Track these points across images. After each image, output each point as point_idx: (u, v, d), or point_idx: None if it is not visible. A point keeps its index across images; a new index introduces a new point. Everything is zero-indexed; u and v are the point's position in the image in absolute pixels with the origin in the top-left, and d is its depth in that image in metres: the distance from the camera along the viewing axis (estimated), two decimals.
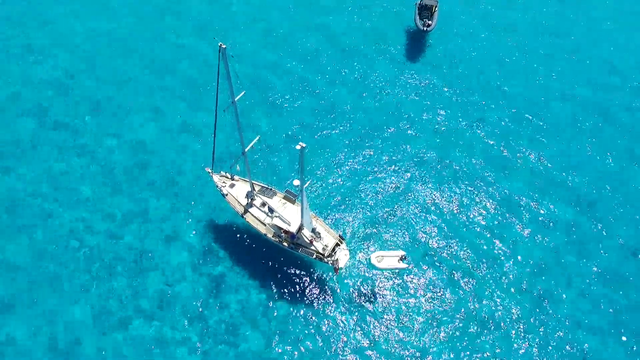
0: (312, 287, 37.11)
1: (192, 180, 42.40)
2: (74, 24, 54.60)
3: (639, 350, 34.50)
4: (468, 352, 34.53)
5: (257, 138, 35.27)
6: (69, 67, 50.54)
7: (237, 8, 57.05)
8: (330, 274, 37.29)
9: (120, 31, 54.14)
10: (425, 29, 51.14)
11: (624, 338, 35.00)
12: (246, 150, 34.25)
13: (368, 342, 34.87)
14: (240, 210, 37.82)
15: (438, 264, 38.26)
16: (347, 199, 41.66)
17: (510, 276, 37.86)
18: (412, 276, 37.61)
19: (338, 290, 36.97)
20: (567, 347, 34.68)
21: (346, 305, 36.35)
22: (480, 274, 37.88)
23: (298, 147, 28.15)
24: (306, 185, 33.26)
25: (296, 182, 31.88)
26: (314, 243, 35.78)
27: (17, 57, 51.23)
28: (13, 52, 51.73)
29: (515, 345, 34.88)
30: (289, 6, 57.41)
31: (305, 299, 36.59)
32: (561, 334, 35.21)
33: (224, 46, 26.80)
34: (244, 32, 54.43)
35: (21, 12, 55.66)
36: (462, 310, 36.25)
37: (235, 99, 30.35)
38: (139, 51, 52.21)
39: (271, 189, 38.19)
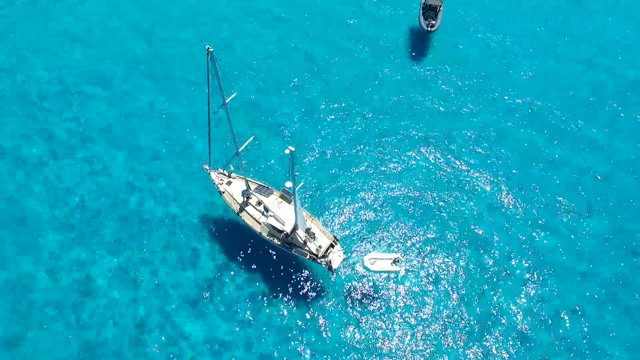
0: (306, 287, 37.09)
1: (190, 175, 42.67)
2: None
3: None
4: (460, 352, 34.26)
5: (252, 138, 35.08)
6: None
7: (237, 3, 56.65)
8: (325, 273, 37.21)
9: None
10: (429, 29, 49.96)
11: None
12: (240, 149, 34.07)
13: (359, 342, 34.83)
14: (236, 208, 37.81)
15: (432, 268, 37.82)
16: (342, 199, 41.30)
17: (505, 275, 37.32)
18: (406, 278, 37.27)
19: (331, 291, 36.89)
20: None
21: (339, 305, 36.26)
22: (475, 277, 37.35)
23: (287, 151, 27.81)
24: (299, 187, 33.08)
25: (288, 184, 31.59)
26: (308, 243, 35.62)
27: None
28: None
29: (507, 345, 34.49)
30: (289, 4, 56.55)
31: (298, 298, 36.61)
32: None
33: (211, 49, 26.49)
34: (241, 30, 53.95)
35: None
36: (454, 312, 35.89)
37: (227, 101, 30.09)
38: None
39: (268, 188, 38.05)
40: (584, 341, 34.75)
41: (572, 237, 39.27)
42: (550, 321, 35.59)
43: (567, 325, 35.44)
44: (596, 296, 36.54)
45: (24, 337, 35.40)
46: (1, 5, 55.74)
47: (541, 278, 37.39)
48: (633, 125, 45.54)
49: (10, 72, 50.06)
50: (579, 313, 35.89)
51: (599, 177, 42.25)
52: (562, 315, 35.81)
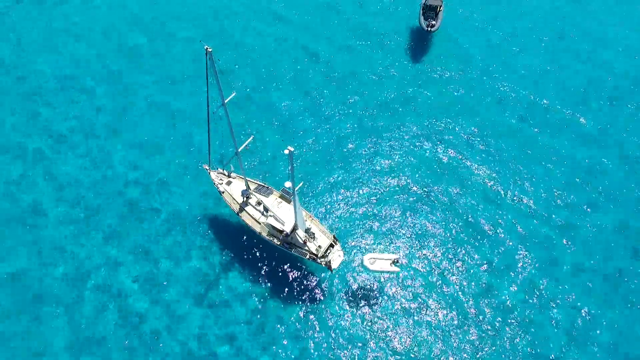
0: (305, 287, 37.12)
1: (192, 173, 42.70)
2: None
3: None
4: (461, 351, 34.30)
5: (251, 138, 35.08)
6: None
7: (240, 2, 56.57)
8: (325, 273, 37.25)
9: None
10: (429, 29, 49.87)
11: None
12: (239, 150, 34.09)
13: (359, 342, 34.87)
14: (236, 208, 37.84)
15: (432, 266, 37.84)
16: (342, 199, 41.30)
17: (506, 272, 37.33)
18: (406, 277, 37.30)
19: (331, 290, 36.92)
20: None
21: (338, 305, 36.29)
22: (476, 274, 37.38)
23: (286, 151, 27.83)
24: (298, 187, 33.08)
25: (288, 184, 31.63)
26: (308, 243, 35.65)
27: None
28: None
29: (508, 342, 34.54)
30: (289, 2, 56.36)
31: (298, 298, 36.65)
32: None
33: (210, 49, 26.48)
34: (242, 28, 53.91)
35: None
36: (455, 310, 35.92)
37: (226, 100, 30.11)
38: None
39: (268, 188, 38.08)
40: (586, 338, 34.78)
41: (574, 232, 39.31)
42: (551, 318, 35.61)
43: (569, 321, 35.45)
44: (598, 292, 36.53)
45: (22, 333, 35.46)
46: (4, 3, 55.74)
47: (543, 274, 37.39)
48: (633, 123, 45.52)
49: (12, 68, 50.10)
50: (581, 309, 35.92)
51: (601, 174, 42.26)
52: (564, 312, 35.81)
